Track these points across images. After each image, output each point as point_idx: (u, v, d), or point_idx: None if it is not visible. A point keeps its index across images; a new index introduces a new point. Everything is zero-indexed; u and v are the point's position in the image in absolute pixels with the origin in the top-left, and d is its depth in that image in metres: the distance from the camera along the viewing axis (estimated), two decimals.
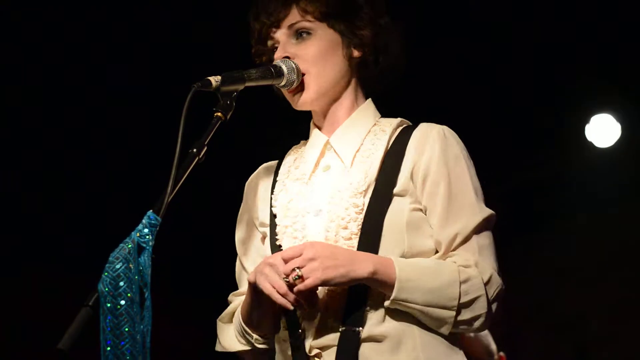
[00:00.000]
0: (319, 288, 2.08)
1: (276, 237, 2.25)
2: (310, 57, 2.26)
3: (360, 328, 2.07)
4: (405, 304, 2.05)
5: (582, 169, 5.66)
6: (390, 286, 2.04)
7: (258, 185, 2.41)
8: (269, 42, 2.32)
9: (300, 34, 2.28)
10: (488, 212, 2.18)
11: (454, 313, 2.05)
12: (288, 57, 2.26)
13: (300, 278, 2.01)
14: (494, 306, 2.10)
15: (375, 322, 2.08)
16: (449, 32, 4.68)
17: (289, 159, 2.39)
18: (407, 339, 2.08)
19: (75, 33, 4.72)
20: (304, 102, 2.29)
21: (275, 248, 2.23)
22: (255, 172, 2.46)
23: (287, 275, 2.03)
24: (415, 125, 2.29)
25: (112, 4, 4.63)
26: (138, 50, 4.85)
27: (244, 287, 2.35)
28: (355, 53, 2.30)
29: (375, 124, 2.31)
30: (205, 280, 6.85)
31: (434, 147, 2.19)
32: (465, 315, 2.07)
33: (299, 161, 2.35)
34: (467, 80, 5.02)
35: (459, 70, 4.94)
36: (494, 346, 3.86)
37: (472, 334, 3.64)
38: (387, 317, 2.08)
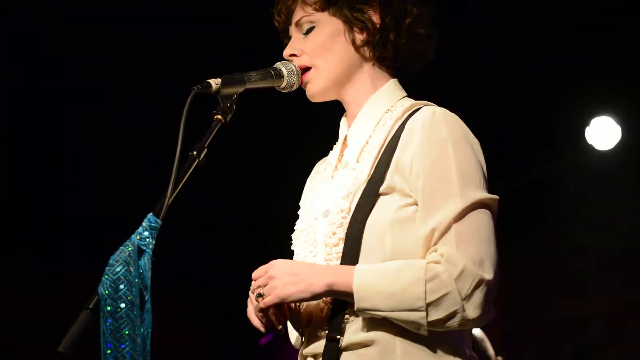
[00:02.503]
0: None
1: (292, 241, 2.26)
2: (314, 50, 2.23)
3: (341, 337, 2.04)
4: (371, 313, 1.99)
5: (582, 171, 5.66)
6: (352, 296, 1.99)
7: (307, 183, 2.40)
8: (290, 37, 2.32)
9: (305, 29, 2.27)
10: (474, 197, 2.02)
11: (423, 314, 1.94)
12: (295, 55, 2.25)
13: (262, 297, 2.03)
14: (473, 301, 1.95)
15: (355, 330, 2.04)
16: (448, 31, 4.68)
17: (330, 155, 2.35)
18: (389, 347, 2.01)
19: (75, 32, 4.73)
20: (312, 94, 2.27)
21: (292, 253, 2.25)
22: (313, 171, 2.43)
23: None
24: (417, 110, 2.17)
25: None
26: (139, 51, 4.85)
27: None
28: (359, 37, 2.24)
29: (388, 110, 2.23)
30: (206, 283, 6.86)
31: (418, 137, 2.08)
32: (436, 314, 1.94)
33: (332, 158, 2.32)
34: (466, 82, 5.02)
35: (458, 72, 4.94)
36: (491, 351, 3.84)
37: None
38: (368, 325, 2.03)
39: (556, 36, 4.85)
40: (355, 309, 1.99)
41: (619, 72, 5.01)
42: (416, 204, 2.06)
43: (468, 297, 1.96)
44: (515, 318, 6.00)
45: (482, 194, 2.04)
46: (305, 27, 2.27)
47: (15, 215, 5.89)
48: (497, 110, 5.14)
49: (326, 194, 2.22)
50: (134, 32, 4.76)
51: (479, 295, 1.96)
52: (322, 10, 2.26)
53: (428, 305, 1.95)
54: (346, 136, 2.27)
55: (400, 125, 2.16)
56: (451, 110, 2.16)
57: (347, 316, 2.05)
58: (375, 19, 2.24)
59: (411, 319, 1.96)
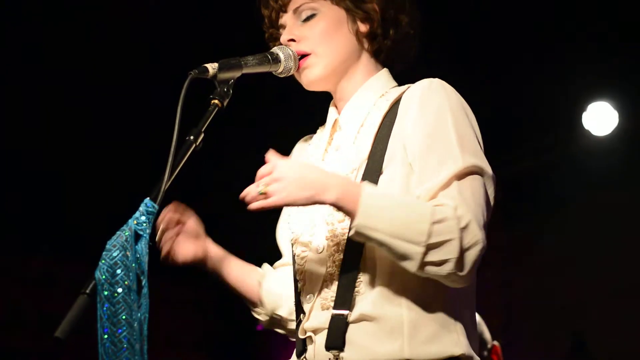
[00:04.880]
0: (317, 271, 2.13)
1: (288, 216, 2.30)
2: (316, 36, 2.24)
3: (349, 312, 2.06)
4: (370, 233, 1.97)
5: (580, 157, 5.66)
6: (355, 212, 1.98)
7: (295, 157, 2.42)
8: (280, 27, 2.32)
9: (305, 16, 2.27)
10: (472, 161, 2.05)
11: (422, 249, 1.94)
12: (293, 40, 2.26)
13: (264, 195, 1.97)
14: (467, 256, 1.97)
15: (364, 305, 2.06)
16: (444, 16, 4.68)
17: (315, 138, 2.39)
18: (395, 322, 2.04)
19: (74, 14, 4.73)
20: (309, 81, 2.27)
21: (289, 227, 2.29)
22: (296, 145, 2.46)
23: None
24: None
25: None
26: (136, 35, 4.85)
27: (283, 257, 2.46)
28: (362, 27, 2.28)
29: (383, 95, 2.26)
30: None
31: (416, 102, 2.12)
32: (434, 255, 1.94)
33: (320, 141, 2.35)
34: (462, 67, 5.01)
35: (454, 56, 4.94)
36: (487, 335, 3.83)
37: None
38: (377, 301, 2.05)
39: (552, 20, 4.84)
40: (354, 224, 1.98)
41: (616, 57, 5.01)
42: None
43: (466, 251, 1.97)
44: (514, 303, 6.00)
45: (479, 161, 2.07)
46: (305, 14, 2.28)
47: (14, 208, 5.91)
48: (492, 96, 5.14)
49: None
50: (129, 23, 4.75)
51: (474, 254, 1.98)
52: None
53: (430, 245, 1.95)
54: (336, 120, 2.29)
55: (396, 104, 2.19)
56: None
57: (357, 290, 2.07)
58: (377, 11, 2.27)
59: (408, 251, 1.96)
